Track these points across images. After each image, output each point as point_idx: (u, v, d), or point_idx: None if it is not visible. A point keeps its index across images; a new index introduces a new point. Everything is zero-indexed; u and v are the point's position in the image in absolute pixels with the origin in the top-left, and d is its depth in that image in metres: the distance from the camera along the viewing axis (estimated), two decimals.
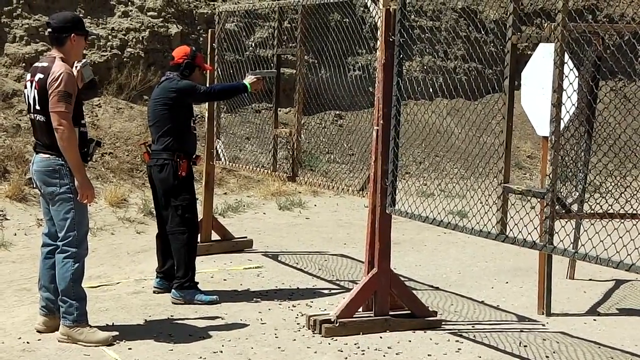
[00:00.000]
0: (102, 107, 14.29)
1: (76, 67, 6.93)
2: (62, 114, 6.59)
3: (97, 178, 12.65)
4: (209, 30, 10.70)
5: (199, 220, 8.65)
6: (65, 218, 6.74)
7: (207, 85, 9.94)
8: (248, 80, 8.47)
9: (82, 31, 6.98)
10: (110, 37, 15.18)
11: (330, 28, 9.43)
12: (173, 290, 8.15)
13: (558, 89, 5.92)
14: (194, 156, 8.40)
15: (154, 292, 8.45)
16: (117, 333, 6.92)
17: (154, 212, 12.07)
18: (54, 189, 6.74)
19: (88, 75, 7.04)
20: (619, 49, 7.38)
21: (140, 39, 15.41)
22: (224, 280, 9.06)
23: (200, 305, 7.98)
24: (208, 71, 9.58)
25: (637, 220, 6.51)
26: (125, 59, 15.15)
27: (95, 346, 6.67)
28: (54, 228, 6.90)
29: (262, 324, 7.54)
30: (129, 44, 15.26)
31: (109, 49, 15.14)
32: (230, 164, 10.82)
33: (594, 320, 8.02)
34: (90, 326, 6.85)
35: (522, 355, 6.86)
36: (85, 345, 6.66)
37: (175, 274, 8.19)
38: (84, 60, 7.11)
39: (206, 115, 10.80)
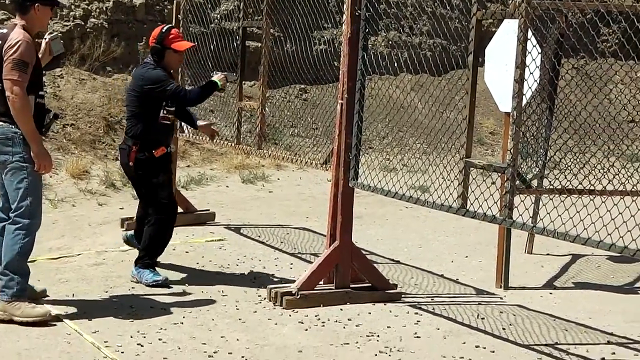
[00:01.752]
0: (65, 78, 14.18)
1: (45, 38, 6.81)
2: (15, 82, 6.41)
3: (59, 149, 12.55)
4: (174, 2, 10.66)
5: (173, 200, 8.20)
6: (17, 188, 6.58)
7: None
8: (218, 78, 8.09)
9: (48, 1, 6.71)
10: (73, 7, 15.04)
11: (297, 1, 9.44)
12: (135, 267, 7.99)
13: (521, 65, 6.00)
14: (161, 148, 7.93)
15: (132, 280, 8.00)
16: (54, 311, 6.82)
17: (116, 185, 12.17)
18: (7, 157, 6.58)
19: (57, 49, 6.88)
20: (582, 27, 7.48)
21: (104, 9, 15.29)
22: (186, 252, 9.08)
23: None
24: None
25: (594, 196, 6.61)
26: (88, 30, 15.02)
27: (33, 321, 6.49)
28: (7, 204, 6.72)
29: (224, 296, 7.59)
30: (92, 14, 15.14)
31: (71, 19, 14.99)
32: (194, 136, 10.82)
33: (550, 293, 8.16)
34: (29, 301, 6.66)
35: (479, 327, 6.96)
36: (22, 320, 6.49)
37: (140, 254, 8.03)
38: (54, 33, 6.93)
39: None
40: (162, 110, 7.95)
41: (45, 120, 6.78)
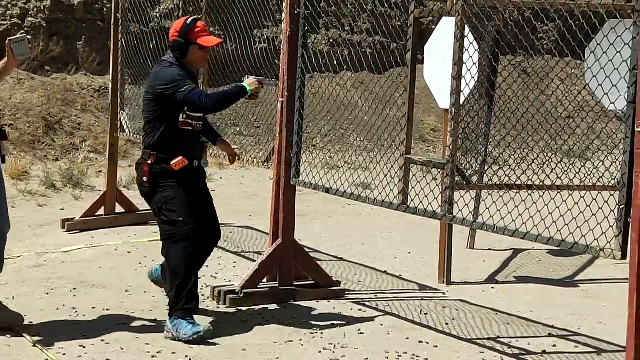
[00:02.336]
0: None
1: (10, 39, 6.24)
2: None
3: None
4: (113, 1, 10.61)
5: (188, 219, 6.64)
6: None
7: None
8: (249, 82, 6.77)
9: None
10: (10, 5, 14.92)
11: (237, 0, 9.46)
12: (169, 318, 6.56)
13: (458, 62, 6.08)
14: (178, 159, 6.60)
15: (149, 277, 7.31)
16: None
17: (56, 185, 12.07)
18: None
19: (21, 52, 6.17)
20: (519, 24, 7.59)
21: (42, 8, 15.16)
22: (128, 252, 9.05)
23: (102, 285, 7.75)
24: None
25: (532, 190, 6.71)
26: (26, 29, 14.90)
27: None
28: None
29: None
30: (30, 13, 15.02)
31: (8, 17, 14.87)
32: (135, 135, 10.76)
33: (492, 288, 8.25)
34: None
35: (422, 323, 7.02)
36: None
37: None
38: (21, 35, 6.28)
39: (110, 87, 10.75)
40: (181, 115, 6.65)
41: None
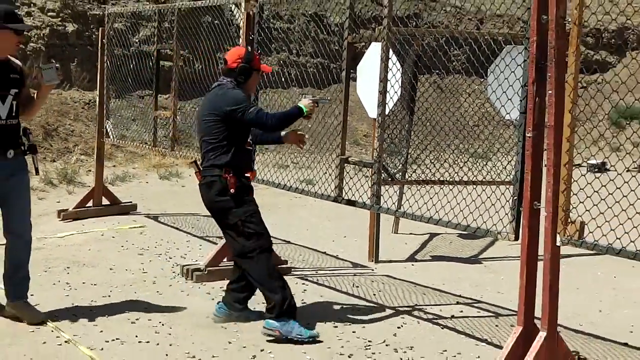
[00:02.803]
0: None
1: (39, 66, 5.94)
2: None
3: None
4: (100, 29, 10.57)
5: (267, 232, 6.12)
6: None
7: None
8: (305, 103, 6.12)
9: (6, 27, 5.70)
10: None
11: (203, 28, 9.41)
12: (267, 320, 5.88)
13: (384, 79, 6.08)
14: (247, 174, 6.12)
15: (214, 320, 6.22)
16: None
17: (53, 182, 11.94)
18: None
19: (49, 78, 5.79)
20: (434, 49, 7.61)
21: (42, 35, 15.02)
22: (113, 237, 8.99)
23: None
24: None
25: (445, 185, 6.73)
26: (28, 52, 14.73)
27: None
28: None
29: (144, 273, 7.54)
30: (31, 39, 14.87)
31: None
32: (118, 140, 10.75)
33: (412, 265, 8.29)
34: None
35: (355, 294, 7.04)
36: None
37: (266, 302, 6.00)
38: (51, 63, 6.03)
39: (97, 100, 10.69)
40: (249, 135, 6.18)
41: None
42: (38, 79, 5.90)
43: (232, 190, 5.91)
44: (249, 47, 6.64)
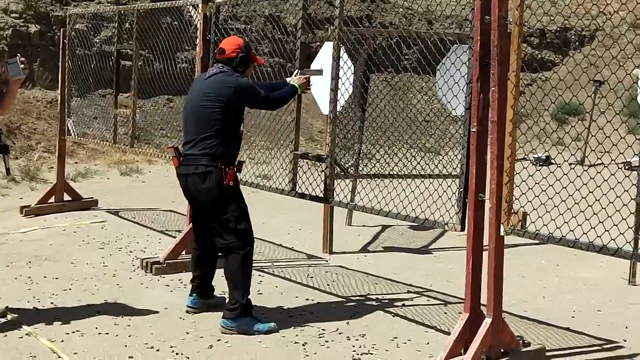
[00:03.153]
0: None
1: (5, 61, 5.62)
2: None
3: None
4: (62, 30, 10.48)
5: (251, 229, 5.92)
6: None
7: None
8: (297, 81, 6.12)
9: None
10: None
11: (163, 29, 9.35)
12: (224, 319, 5.70)
13: (335, 78, 6.09)
14: (237, 162, 5.88)
15: (187, 311, 6.09)
16: None
17: (16, 179, 11.77)
18: None
19: (15, 73, 5.52)
20: (388, 48, 7.62)
21: (5, 36, 14.81)
22: (74, 232, 8.90)
23: (66, 263, 7.52)
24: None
25: (395, 179, 6.75)
26: None
27: None
28: None
29: (105, 266, 7.48)
30: None
31: None
32: (80, 138, 10.66)
33: (365, 256, 8.29)
34: None
35: (309, 284, 7.03)
36: None
37: (228, 300, 5.82)
38: (16, 57, 5.59)
39: (59, 98, 10.59)
40: (241, 124, 5.98)
41: None
42: (5, 74, 5.66)
43: (231, 183, 5.68)
44: (244, 38, 6.22)
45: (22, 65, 5.61)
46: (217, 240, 5.83)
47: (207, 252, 6.09)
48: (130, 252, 8.06)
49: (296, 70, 6.29)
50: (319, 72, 6.32)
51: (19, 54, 5.76)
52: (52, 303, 6.29)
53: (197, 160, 5.69)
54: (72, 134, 10.31)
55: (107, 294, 6.58)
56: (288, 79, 6.25)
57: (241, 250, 5.74)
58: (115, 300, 6.41)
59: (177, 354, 5.26)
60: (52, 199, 10.17)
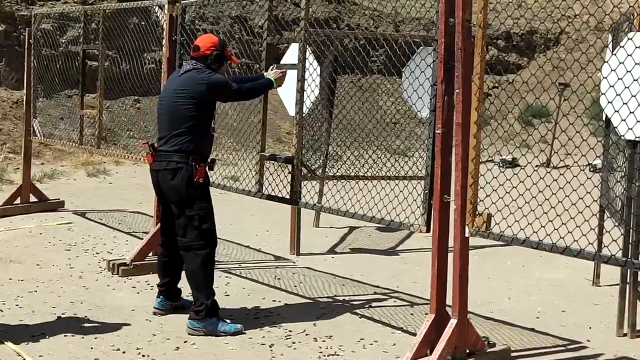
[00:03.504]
0: None
1: None
2: None
3: None
4: (27, 29, 10.40)
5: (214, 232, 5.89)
6: None
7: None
8: (273, 74, 6.13)
9: None
10: None
11: (130, 29, 9.30)
12: (190, 320, 5.69)
13: (301, 79, 6.10)
14: (209, 160, 5.92)
15: (154, 313, 6.08)
16: None
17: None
18: None
19: None
20: (355, 50, 7.64)
21: None
22: (40, 234, 8.83)
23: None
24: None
25: (361, 180, 6.77)
26: None
27: None
28: None
29: (71, 268, 7.43)
30: None
31: None
32: (46, 139, 10.59)
33: (332, 257, 8.30)
34: None
35: (276, 286, 7.02)
36: None
37: (193, 302, 5.77)
38: None
39: (24, 99, 10.50)
40: (212, 121, 6.01)
41: None
42: None
43: (201, 180, 5.69)
44: (220, 36, 6.45)
45: None
46: (179, 240, 5.80)
47: (174, 258, 6.02)
48: (97, 253, 8.01)
49: (272, 65, 6.32)
50: (296, 67, 6.24)
51: None
52: (17, 305, 6.23)
53: (169, 156, 5.72)
54: (38, 135, 10.22)
55: (73, 296, 6.53)
56: (265, 73, 6.25)
57: (201, 250, 5.71)
58: (81, 302, 6.37)
59: (143, 356, 5.24)
60: (17, 200, 10.09)
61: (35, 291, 6.64)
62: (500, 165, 11.27)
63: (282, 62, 8.00)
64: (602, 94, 4.80)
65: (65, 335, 5.56)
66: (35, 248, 8.16)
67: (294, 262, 8.00)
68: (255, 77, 6.38)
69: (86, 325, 5.81)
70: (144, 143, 6.08)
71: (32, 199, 10.21)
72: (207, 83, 5.71)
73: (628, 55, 4.44)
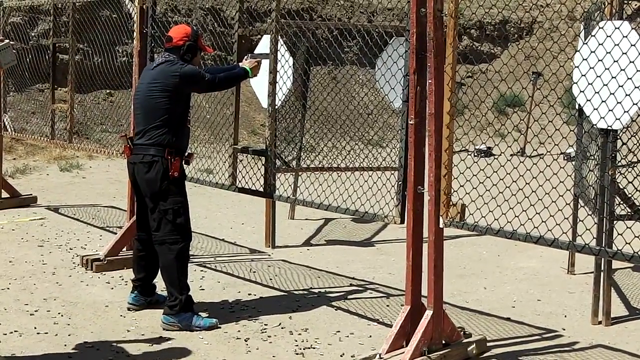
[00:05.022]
0: None
1: None
2: None
3: None
4: None
5: (189, 225, 5.86)
6: None
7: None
8: (248, 64, 6.05)
9: None
10: None
11: (102, 22, 9.22)
12: (164, 315, 5.67)
13: (273, 70, 6.06)
14: (186, 154, 5.87)
15: (129, 309, 6.04)
16: None
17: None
18: None
19: (8, 60, 4.81)
20: (328, 41, 7.60)
21: None
22: (12, 230, 8.74)
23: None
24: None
25: (335, 172, 6.75)
26: None
27: None
28: None
29: (44, 264, 7.35)
30: None
31: None
32: (17, 134, 10.49)
33: (308, 249, 8.27)
34: None
35: (251, 279, 6.99)
36: None
37: (168, 297, 5.76)
38: (5, 42, 4.98)
39: None
40: (188, 113, 5.93)
41: None
42: None
43: (176, 174, 5.65)
44: (194, 26, 6.32)
45: (14, 51, 5.15)
46: (153, 235, 5.76)
47: (150, 253, 5.95)
48: (70, 249, 7.94)
49: (247, 55, 6.25)
50: (267, 56, 6.17)
51: (7, 39, 5.22)
52: None
53: (145, 149, 5.69)
54: (9, 130, 10.12)
55: (46, 293, 6.47)
56: (239, 64, 6.18)
57: (175, 245, 5.68)
58: (54, 299, 6.30)
59: (117, 352, 5.19)
60: None
61: (8, 288, 6.57)
62: (475, 155, 11.29)
63: (254, 53, 7.97)
64: (574, 82, 4.79)
65: (38, 333, 5.50)
66: (8, 244, 8.08)
67: (269, 255, 7.97)
68: (229, 67, 6.32)
69: (59, 322, 5.75)
70: (122, 136, 6.02)
71: (4, 194, 10.12)
72: (179, 75, 5.66)
73: (599, 44, 4.43)
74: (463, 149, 6.13)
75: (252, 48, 7.79)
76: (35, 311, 5.99)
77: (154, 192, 5.68)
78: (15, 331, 5.53)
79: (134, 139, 5.83)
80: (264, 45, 7.62)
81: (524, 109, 15.92)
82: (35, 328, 5.59)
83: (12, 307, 6.07)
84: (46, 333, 5.51)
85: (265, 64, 6.18)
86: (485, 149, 13.34)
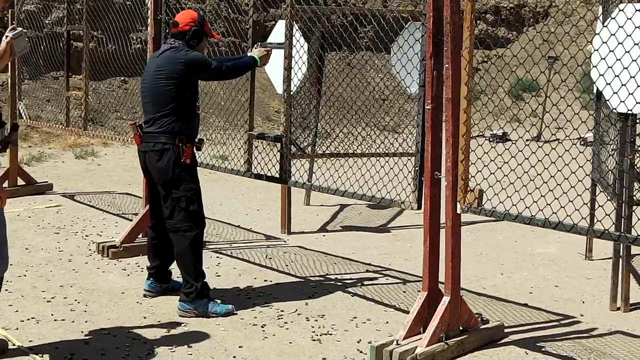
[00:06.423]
0: None
1: (7, 36, 4.82)
2: None
3: None
4: (10, 11, 10.27)
5: (202, 212, 5.83)
6: None
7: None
8: (257, 53, 6.00)
9: None
10: None
11: (116, 9, 9.22)
12: (180, 302, 5.67)
13: (288, 57, 6.03)
14: (196, 140, 5.84)
15: (145, 295, 6.05)
16: None
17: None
18: None
19: (21, 49, 4.79)
20: (343, 26, 7.56)
21: None
22: (29, 217, 8.76)
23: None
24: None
25: (352, 157, 6.74)
26: None
27: None
28: None
29: (60, 251, 7.37)
30: None
31: None
32: (32, 121, 10.52)
33: (323, 235, 8.26)
34: None
35: (267, 265, 6.99)
36: None
37: (183, 284, 5.73)
38: (19, 29, 4.80)
39: (9, 81, 10.41)
40: (197, 100, 5.86)
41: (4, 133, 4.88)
42: (4, 50, 4.82)
43: (187, 161, 5.63)
44: (200, 12, 6.24)
45: (27, 39, 5.16)
46: (166, 222, 5.75)
47: (164, 241, 5.94)
48: (86, 236, 7.95)
49: (257, 43, 6.20)
50: (281, 46, 6.13)
51: (20, 27, 5.21)
52: (6, 290, 6.14)
53: (155, 137, 5.66)
54: (24, 117, 10.15)
55: (62, 280, 6.48)
56: (248, 52, 6.15)
57: (188, 232, 5.66)
58: (71, 286, 6.32)
59: (134, 339, 5.20)
60: (5, 184, 10.00)
61: (25, 275, 6.59)
62: (491, 140, 11.24)
63: (268, 40, 7.94)
64: (593, 66, 4.75)
65: (55, 320, 5.52)
66: (24, 232, 8.10)
67: (285, 241, 7.96)
68: (239, 56, 6.28)
69: (76, 309, 5.77)
70: (132, 123, 5.96)
71: (20, 182, 10.14)
72: (184, 62, 5.61)
73: (619, 26, 4.38)
74: (480, 134, 6.09)
75: (267, 34, 7.78)
76: (52, 298, 6.00)
77: (166, 180, 5.65)
78: (32, 318, 5.54)
79: (143, 127, 5.80)
80: (278, 32, 7.60)
81: (541, 94, 15.85)
82: (52, 315, 5.61)
83: (29, 294, 6.09)
84: (63, 320, 5.52)
85: (279, 51, 6.15)
86: (502, 133, 13.29)
